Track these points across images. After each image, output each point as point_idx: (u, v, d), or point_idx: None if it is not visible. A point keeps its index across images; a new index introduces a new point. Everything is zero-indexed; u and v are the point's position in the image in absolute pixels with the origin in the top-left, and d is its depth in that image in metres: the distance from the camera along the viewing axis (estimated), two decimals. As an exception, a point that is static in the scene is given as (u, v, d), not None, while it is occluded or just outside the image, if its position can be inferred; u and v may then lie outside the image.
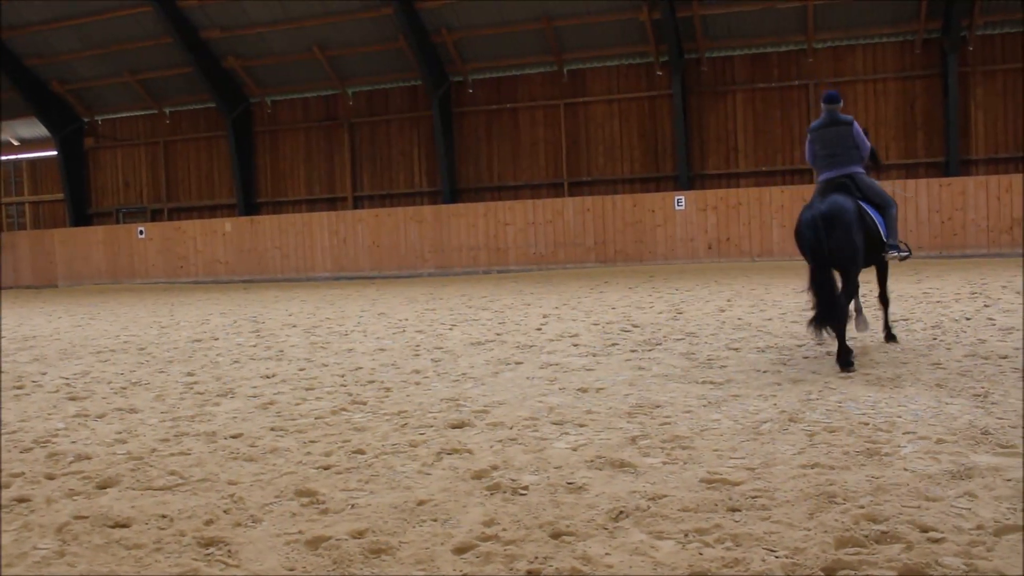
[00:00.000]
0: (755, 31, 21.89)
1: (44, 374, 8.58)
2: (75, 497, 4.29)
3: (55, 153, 28.36)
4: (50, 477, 4.68)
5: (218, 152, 27.22)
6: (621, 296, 14.35)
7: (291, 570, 3.28)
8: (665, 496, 3.88)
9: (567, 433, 5.16)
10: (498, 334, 10.12)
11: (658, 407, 5.73)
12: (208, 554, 3.47)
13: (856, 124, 7.86)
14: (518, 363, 7.90)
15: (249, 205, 26.46)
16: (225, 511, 3.96)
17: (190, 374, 8.19)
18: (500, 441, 5.03)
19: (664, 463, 4.43)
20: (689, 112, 22.61)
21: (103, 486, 4.46)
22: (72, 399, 7.09)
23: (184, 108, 27.38)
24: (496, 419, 5.60)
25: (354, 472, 4.52)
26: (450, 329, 10.88)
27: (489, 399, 6.27)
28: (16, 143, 30.16)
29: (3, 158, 30.25)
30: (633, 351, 8.29)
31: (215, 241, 25.20)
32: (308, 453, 4.96)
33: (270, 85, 26.07)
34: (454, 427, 5.46)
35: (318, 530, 3.65)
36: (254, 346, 10.12)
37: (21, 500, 4.26)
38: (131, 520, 3.87)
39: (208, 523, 3.80)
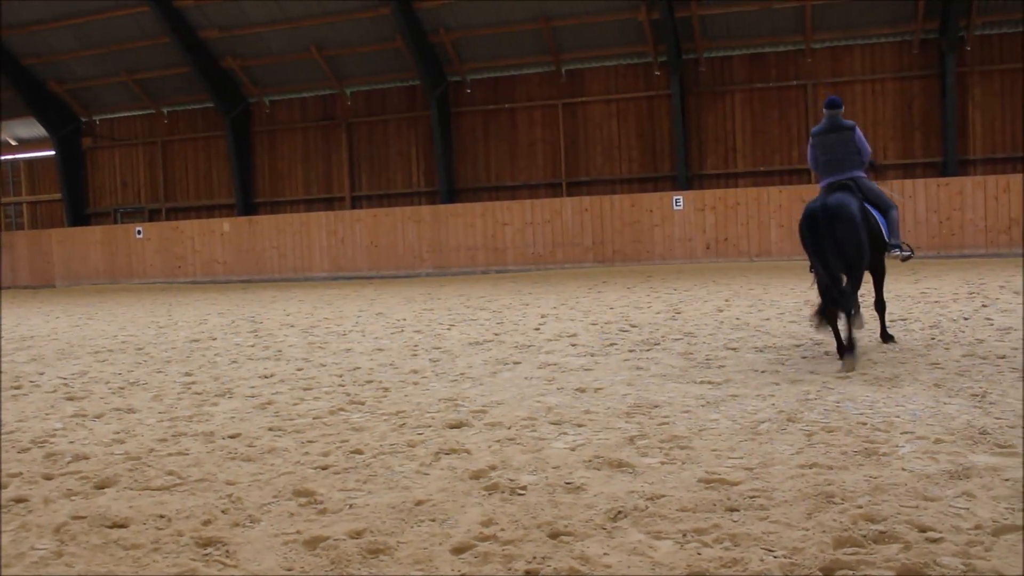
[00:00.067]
0: (753, 31, 21.90)
1: (42, 374, 8.57)
2: (73, 497, 4.28)
3: (53, 153, 28.33)
4: (48, 477, 4.68)
5: (216, 152, 27.20)
6: (619, 296, 14.36)
7: (289, 570, 3.28)
8: (663, 496, 3.88)
9: (565, 433, 5.16)
10: (496, 334, 10.12)
11: (656, 407, 5.73)
12: (206, 554, 3.46)
13: (857, 129, 7.98)
14: (516, 363, 7.90)
15: (247, 205, 26.45)
16: (223, 511, 3.96)
17: (188, 374, 8.18)
18: (498, 441, 5.03)
19: (662, 463, 4.43)
20: (687, 112, 22.62)
21: (101, 486, 4.46)
22: (70, 399, 7.08)
23: (182, 108, 27.36)
24: (494, 419, 5.60)
25: (352, 472, 4.52)
26: (448, 329, 10.87)
27: (487, 399, 6.27)
28: (14, 143, 30.14)
29: (1, 158, 30.22)
30: (631, 351, 8.29)
31: (213, 241, 25.19)
32: (306, 453, 4.95)
33: (268, 85, 26.06)
34: (452, 427, 5.46)
35: (316, 530, 3.65)
36: (252, 346, 10.12)
37: (19, 500, 4.25)
38: (129, 520, 3.86)
39: (206, 523, 3.80)
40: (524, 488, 4.09)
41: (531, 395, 6.35)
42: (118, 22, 24.53)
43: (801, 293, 13.06)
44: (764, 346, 8.22)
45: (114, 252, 26.14)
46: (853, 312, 7.82)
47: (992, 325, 8.77)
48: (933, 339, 8.12)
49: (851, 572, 3.01)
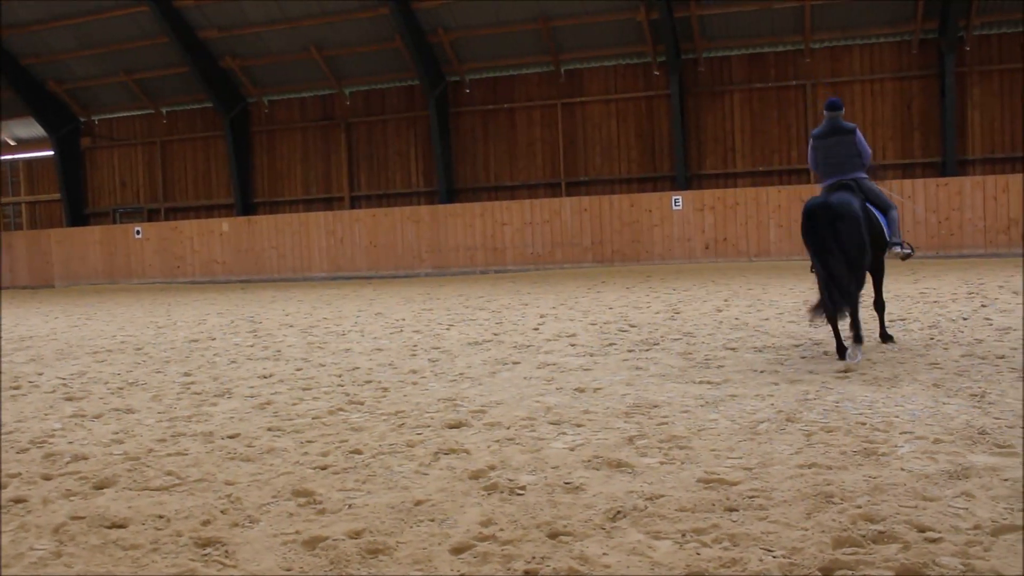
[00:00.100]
0: (752, 31, 21.91)
1: (41, 374, 8.56)
2: (72, 497, 4.28)
3: (52, 153, 28.32)
4: (47, 478, 4.67)
5: (215, 152, 27.20)
6: (618, 296, 14.36)
7: (288, 570, 3.28)
8: (662, 496, 3.88)
9: (564, 433, 5.15)
10: (495, 334, 10.12)
11: (655, 407, 5.73)
12: (205, 554, 3.46)
13: (858, 132, 8.05)
14: (515, 363, 7.90)
15: (246, 205, 26.44)
16: (222, 511, 3.95)
17: (187, 374, 8.18)
18: (497, 441, 5.03)
19: (661, 463, 4.43)
20: (686, 112, 22.63)
21: (100, 486, 4.46)
22: (69, 399, 7.08)
23: (181, 108, 27.36)
24: (493, 419, 5.60)
25: (351, 472, 4.52)
26: (447, 329, 10.87)
27: (486, 399, 6.27)
28: (13, 143, 30.13)
29: (0, 158, 30.22)
30: (630, 351, 8.29)
31: (212, 241, 25.19)
32: (305, 453, 4.95)
33: (267, 85, 26.05)
34: (451, 427, 5.46)
35: (315, 530, 3.64)
36: (251, 346, 10.12)
37: (18, 501, 4.25)
38: (128, 520, 3.86)
39: (205, 523, 3.80)
40: (523, 488, 4.09)
41: (530, 395, 6.35)
42: (117, 22, 24.53)
43: (800, 293, 13.06)
44: (763, 346, 8.22)
45: (113, 252, 26.14)
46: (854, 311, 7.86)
47: (991, 325, 8.78)
48: (932, 339, 8.12)
49: (850, 572, 3.01)
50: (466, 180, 24.81)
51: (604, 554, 3.26)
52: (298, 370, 8.12)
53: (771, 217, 20.53)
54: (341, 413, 6.04)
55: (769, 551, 3.21)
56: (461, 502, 3.94)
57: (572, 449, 4.77)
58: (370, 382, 7.27)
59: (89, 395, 7.25)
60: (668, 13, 20.86)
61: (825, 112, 8.09)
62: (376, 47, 23.97)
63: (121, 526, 3.81)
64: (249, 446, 5.18)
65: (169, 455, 5.04)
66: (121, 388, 7.54)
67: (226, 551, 3.48)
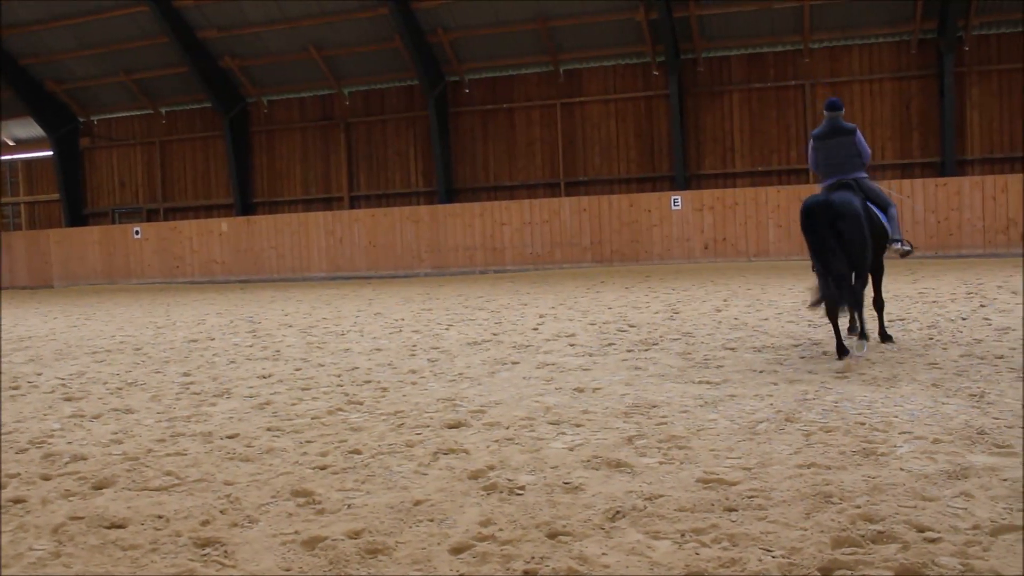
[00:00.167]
0: (751, 31, 21.91)
1: (40, 375, 8.56)
2: (71, 498, 4.28)
3: (51, 153, 28.31)
4: (46, 478, 4.67)
5: (214, 152, 27.19)
6: (617, 296, 14.36)
7: (287, 570, 3.28)
8: (661, 496, 3.88)
9: (564, 433, 5.15)
10: (495, 334, 10.12)
11: (654, 407, 5.73)
12: (204, 554, 3.46)
13: (858, 132, 8.11)
14: (515, 363, 7.90)
15: (245, 205, 26.43)
16: (221, 511, 3.95)
17: (186, 374, 8.17)
18: (497, 441, 5.03)
19: (661, 463, 4.43)
20: (685, 112, 22.63)
21: (99, 487, 4.46)
22: (68, 400, 7.08)
23: (180, 108, 27.35)
24: (492, 419, 5.60)
25: (350, 472, 4.52)
26: (447, 329, 10.87)
27: (486, 399, 6.27)
28: (11, 143, 30.11)
29: (-1, 158, 30.23)
30: (630, 351, 8.29)
31: (211, 241, 25.18)
32: (304, 453, 4.95)
33: (266, 85, 26.05)
34: (450, 427, 5.46)
35: (314, 530, 3.64)
36: (250, 346, 10.11)
37: (17, 501, 4.25)
38: (127, 521, 3.86)
39: (204, 523, 3.80)
40: (522, 488, 4.09)
41: (529, 395, 6.35)
42: (116, 22, 24.52)
43: (799, 293, 13.06)
44: (762, 346, 8.22)
45: (112, 252, 26.13)
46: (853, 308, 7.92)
47: (990, 325, 8.78)
48: (931, 339, 8.12)
49: (849, 572, 3.01)
50: (465, 180, 24.81)
51: (603, 554, 3.26)
52: (297, 370, 8.12)
53: (770, 217, 20.54)
54: (340, 413, 6.04)
55: (768, 551, 3.21)
56: (460, 502, 3.94)
57: (571, 449, 4.77)
58: (369, 382, 7.27)
59: (88, 395, 7.25)
60: (667, 13, 20.87)
61: (825, 112, 8.14)
62: (375, 47, 23.97)
63: (120, 526, 3.81)
64: (248, 446, 5.18)
65: (168, 455, 5.04)
66: (120, 388, 7.54)
67: (225, 551, 3.48)
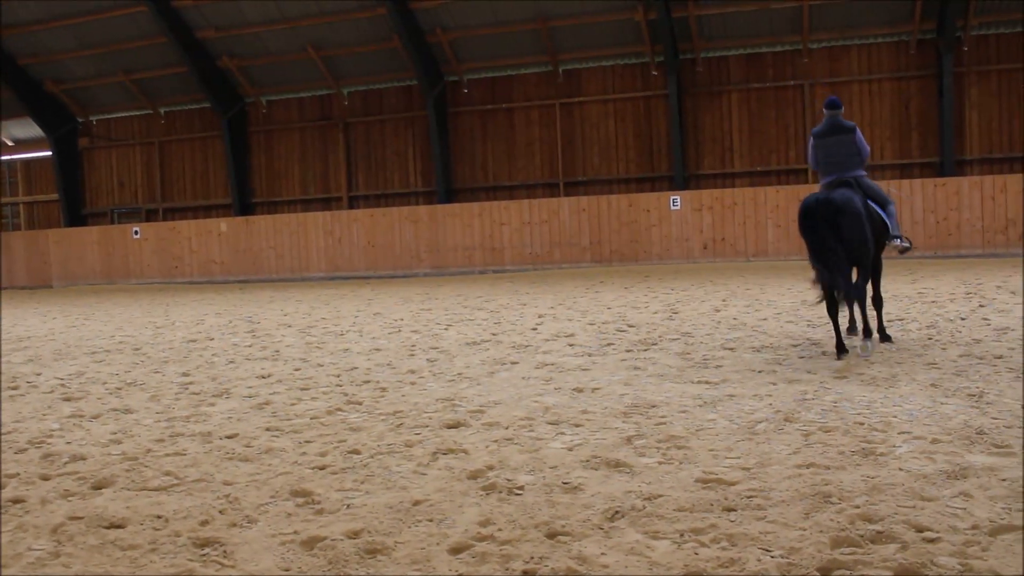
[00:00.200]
0: (750, 31, 21.92)
1: (39, 375, 8.56)
2: (70, 498, 4.28)
3: (50, 153, 28.29)
4: (45, 478, 4.67)
5: (213, 152, 27.18)
6: (616, 296, 14.36)
7: (286, 570, 3.28)
8: (661, 496, 3.88)
9: (563, 433, 5.16)
10: (494, 334, 10.12)
11: (654, 407, 5.73)
12: (203, 554, 3.46)
13: (858, 131, 8.20)
14: (514, 363, 7.90)
15: (244, 205, 26.43)
16: (220, 511, 3.95)
17: (185, 374, 8.17)
18: (496, 441, 5.03)
19: (660, 463, 4.43)
20: (684, 112, 22.64)
21: (98, 487, 4.45)
22: (67, 400, 7.08)
23: (179, 108, 27.35)
24: (492, 419, 5.60)
25: (350, 472, 4.52)
26: (446, 329, 10.87)
27: (485, 399, 6.27)
28: (10, 143, 30.10)
29: (-2, 158, 30.23)
30: (629, 351, 8.29)
31: (210, 241, 25.18)
32: (303, 453, 4.95)
33: (265, 85, 26.04)
34: (450, 427, 5.46)
35: (313, 530, 3.64)
36: (249, 346, 10.11)
37: (16, 501, 4.25)
38: (126, 521, 3.86)
39: (203, 523, 3.80)
40: (521, 488, 4.09)
41: (528, 395, 6.35)
42: (115, 22, 24.51)
43: (798, 293, 13.07)
44: (761, 346, 8.22)
45: (111, 252, 26.12)
46: (857, 305, 8.01)
47: (989, 325, 8.79)
48: (930, 339, 8.13)
49: (848, 572, 3.01)
50: (464, 180, 24.81)
51: (602, 554, 3.26)
52: (296, 370, 8.12)
53: (769, 217, 20.54)
54: (339, 413, 6.04)
55: (767, 551, 3.21)
56: (459, 502, 3.94)
57: (570, 449, 4.77)
58: (368, 382, 7.27)
59: (87, 395, 7.24)
60: (666, 13, 20.87)
61: (825, 111, 8.23)
62: (374, 47, 23.97)
63: (119, 526, 3.81)
64: (247, 446, 5.18)
65: (167, 455, 5.04)
66: (119, 388, 7.54)
67: (224, 551, 3.48)
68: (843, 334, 7.72)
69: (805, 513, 3.58)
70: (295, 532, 3.64)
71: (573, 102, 23.82)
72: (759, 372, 6.87)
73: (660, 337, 9.15)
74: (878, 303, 8.27)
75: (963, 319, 9.36)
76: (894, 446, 4.50)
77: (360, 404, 6.33)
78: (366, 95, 25.59)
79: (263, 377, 7.79)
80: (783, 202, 20.33)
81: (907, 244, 8.26)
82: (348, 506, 3.96)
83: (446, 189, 24.29)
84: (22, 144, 29.97)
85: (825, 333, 8.72)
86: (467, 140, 24.74)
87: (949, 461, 4.18)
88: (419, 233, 23.22)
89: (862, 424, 4.99)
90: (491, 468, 4.46)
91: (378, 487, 4.24)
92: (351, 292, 18.85)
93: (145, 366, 8.86)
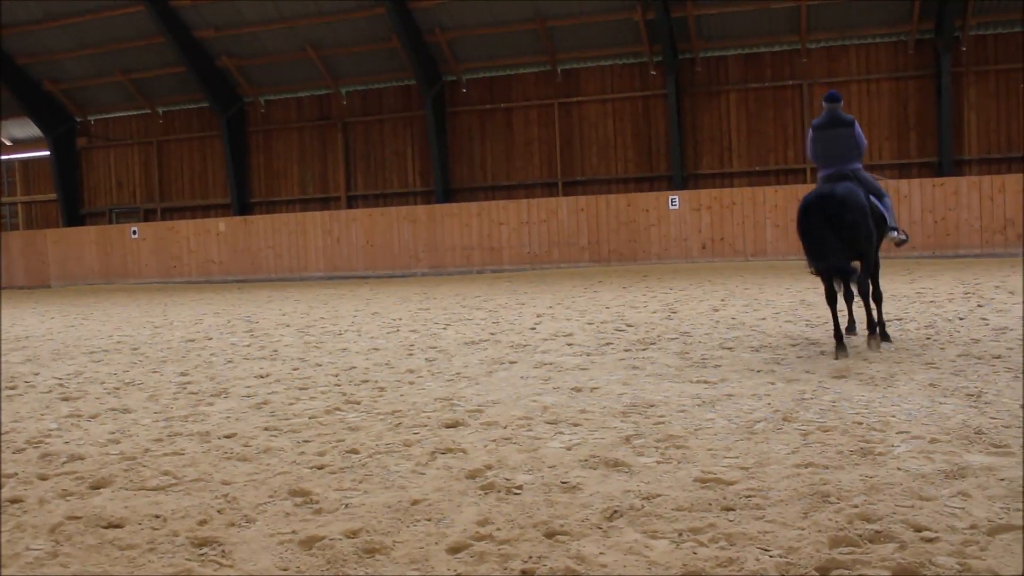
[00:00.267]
0: (749, 31, 21.92)
1: (37, 374, 8.55)
2: (68, 498, 4.27)
3: (48, 153, 28.28)
4: (43, 478, 4.67)
5: (211, 152, 27.17)
6: (615, 295, 14.36)
7: (285, 570, 3.27)
8: (659, 495, 3.87)
9: (561, 432, 5.15)
10: (492, 333, 10.12)
11: (652, 406, 5.73)
12: (202, 554, 3.46)
13: (856, 124, 8.29)
14: (512, 362, 7.90)
15: (243, 205, 26.42)
16: (219, 511, 3.95)
17: (184, 374, 8.17)
18: (494, 440, 5.03)
19: (658, 462, 4.43)
20: (683, 112, 22.64)
21: (96, 486, 4.45)
22: (65, 399, 7.07)
23: (177, 108, 27.33)
24: (490, 418, 5.60)
25: (348, 472, 4.51)
26: (444, 328, 10.87)
27: (483, 398, 6.27)
28: (8, 143, 30.08)
29: (-4, 158, 30.20)
30: (627, 350, 8.29)
31: (208, 241, 25.16)
32: (302, 453, 4.95)
33: (264, 85, 26.03)
34: (448, 426, 5.45)
35: (312, 530, 3.64)
36: (248, 346, 10.11)
37: (14, 501, 4.24)
38: (124, 520, 3.86)
39: (202, 523, 3.79)
40: (520, 487, 4.09)
41: (527, 394, 6.35)
42: (113, 22, 24.50)
43: (797, 293, 13.08)
44: (760, 345, 8.22)
45: (109, 252, 26.11)
46: (858, 295, 8.10)
47: (987, 325, 8.79)
48: (929, 339, 8.13)
49: (847, 572, 3.01)
50: (463, 180, 24.81)
51: (601, 553, 3.26)
52: (295, 370, 8.11)
53: (767, 217, 20.55)
54: (338, 413, 6.04)
55: (766, 550, 3.21)
56: (458, 501, 3.94)
57: (569, 448, 4.77)
58: (367, 382, 7.27)
59: (85, 395, 7.24)
60: (665, 13, 20.87)
61: (824, 104, 8.33)
62: (373, 47, 23.96)
63: (117, 526, 3.81)
64: (246, 446, 5.17)
65: (165, 455, 5.04)
66: (117, 388, 7.53)
67: (223, 551, 3.47)
68: (842, 334, 7.76)
69: (803, 513, 3.58)
70: (293, 532, 3.64)
71: (572, 102, 23.82)
72: (758, 372, 6.87)
73: (659, 337, 9.15)
74: (878, 298, 8.28)
75: (961, 319, 9.37)
76: (892, 446, 4.50)
77: (358, 404, 6.33)
78: (365, 95, 25.59)
79: (261, 377, 7.78)
80: (782, 202, 20.34)
81: (904, 236, 8.37)
82: (346, 506, 3.96)
83: (444, 189, 24.28)
84: (20, 144, 29.95)
85: (824, 333, 8.73)
86: (465, 140, 24.74)
87: (947, 461, 4.18)
88: (417, 233, 23.22)
89: (860, 424, 4.99)
90: (489, 467, 4.46)
91: (376, 487, 4.24)
92: (350, 292, 18.85)
93: (143, 366, 8.85)
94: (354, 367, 8.10)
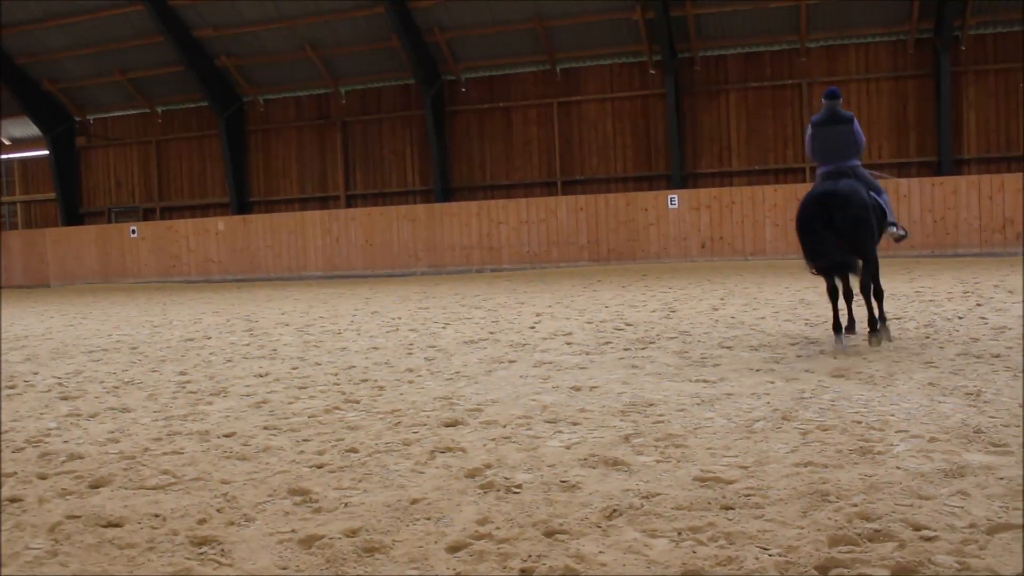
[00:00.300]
0: (748, 31, 21.93)
1: (36, 374, 8.55)
2: (67, 497, 4.27)
3: (47, 152, 28.27)
4: (42, 477, 4.66)
5: (210, 151, 27.17)
6: (614, 295, 14.36)
7: (284, 569, 3.27)
8: (658, 494, 3.87)
9: (560, 431, 5.15)
10: (491, 333, 10.12)
11: (651, 405, 5.73)
12: (201, 553, 3.46)
13: (855, 121, 8.31)
14: (511, 361, 7.90)
15: (242, 204, 26.41)
16: (218, 510, 3.95)
17: (183, 373, 8.16)
18: (493, 439, 5.03)
19: (657, 461, 4.43)
20: (682, 111, 22.64)
21: (95, 485, 4.45)
22: (64, 398, 7.07)
23: (176, 107, 27.33)
24: (489, 417, 5.60)
25: (347, 471, 4.51)
26: (443, 328, 10.87)
27: (482, 397, 6.27)
28: (8, 142, 30.07)
29: (-5, 157, 30.19)
30: (626, 349, 8.29)
31: (207, 240, 25.16)
32: (301, 452, 4.95)
33: (263, 84, 26.02)
34: (447, 425, 5.45)
35: (311, 529, 3.64)
36: (247, 345, 10.10)
37: (14, 500, 4.24)
38: (124, 519, 3.85)
39: (201, 522, 3.79)
40: (519, 486, 4.09)
41: (526, 393, 6.35)
42: (112, 21, 24.50)
43: (796, 292, 13.08)
44: (759, 344, 8.23)
45: (108, 251, 26.10)
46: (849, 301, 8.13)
47: (986, 324, 8.79)
48: (928, 338, 8.13)
49: (846, 570, 3.01)
50: (462, 179, 24.81)
51: (600, 552, 3.26)
52: (294, 369, 8.11)
53: (767, 216, 20.55)
54: (337, 412, 6.04)
55: (765, 549, 3.21)
56: (457, 500, 3.94)
57: (568, 447, 4.77)
58: (366, 381, 7.27)
59: (85, 394, 7.23)
60: (664, 12, 20.88)
61: (824, 100, 8.36)
62: (372, 46, 23.96)
63: (117, 525, 3.80)
64: (245, 445, 5.17)
65: (165, 454, 5.03)
66: (117, 387, 7.53)
67: (222, 550, 3.47)
68: (841, 326, 7.87)
69: (803, 511, 3.58)
70: (293, 531, 3.63)
71: (571, 101, 23.82)
72: (757, 371, 6.88)
73: (658, 336, 9.15)
74: (879, 295, 8.28)
75: (960, 318, 9.37)
76: (892, 445, 4.50)
77: (358, 403, 6.32)
78: (364, 94, 25.59)
79: (261, 376, 7.78)
80: (781, 201, 20.35)
81: (903, 232, 8.42)
82: (346, 504, 3.96)
83: (444, 188, 24.28)
84: (19, 143, 29.94)
85: (823, 332, 8.73)
86: (465, 139, 24.74)
87: (947, 460, 4.18)
88: (417, 232, 23.22)
89: (860, 423, 4.99)
90: (489, 467, 4.46)
91: (376, 486, 4.23)
92: (349, 291, 18.84)
93: (143, 365, 8.85)
94: (353, 366, 8.09)
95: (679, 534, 3.41)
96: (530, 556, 3.25)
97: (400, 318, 12.34)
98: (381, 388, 6.88)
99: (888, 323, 8.61)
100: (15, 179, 30.34)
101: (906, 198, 19.55)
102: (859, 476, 3.99)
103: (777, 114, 22.41)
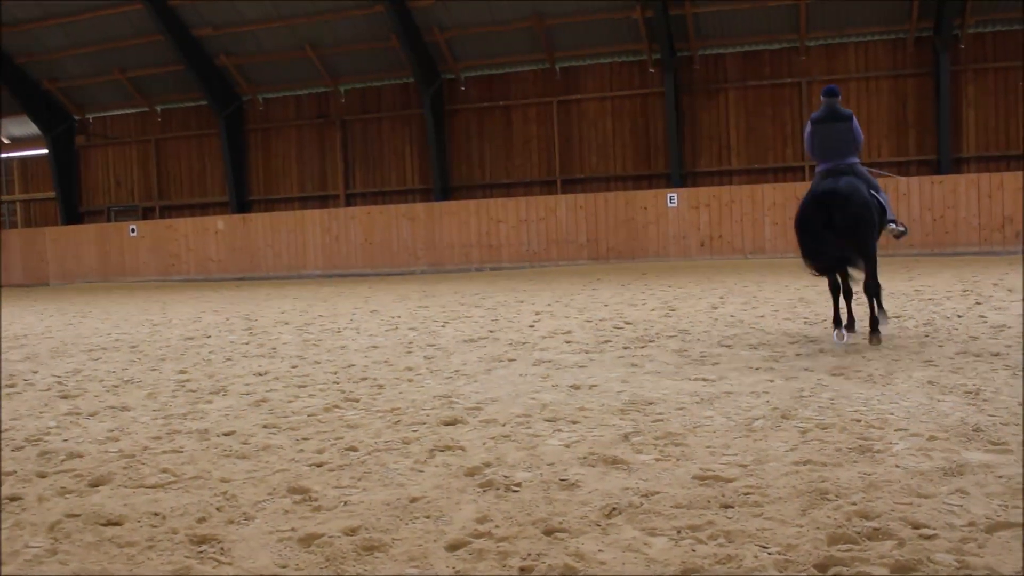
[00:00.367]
0: (748, 29, 21.93)
1: (35, 372, 8.54)
2: (67, 495, 4.27)
3: (46, 151, 28.27)
4: (42, 475, 4.66)
5: (210, 150, 27.16)
6: (614, 293, 14.36)
7: (283, 567, 3.27)
8: (658, 493, 3.87)
9: (560, 430, 5.15)
10: (491, 331, 10.12)
11: (651, 404, 5.73)
12: (200, 552, 3.46)
13: (854, 119, 8.33)
14: (511, 360, 7.90)
15: (241, 203, 26.41)
16: (218, 508, 3.95)
17: (182, 372, 8.16)
18: (493, 438, 5.02)
19: (657, 460, 4.43)
20: (681, 110, 22.64)
21: (95, 484, 4.45)
22: (64, 397, 7.06)
23: (176, 106, 27.32)
24: (489, 416, 5.60)
25: (347, 469, 4.51)
26: (443, 326, 10.87)
27: (482, 396, 6.27)
28: (7, 141, 30.06)
29: (-6, 156, 30.19)
30: (626, 348, 8.29)
31: (207, 239, 25.16)
32: (301, 450, 4.95)
33: (262, 83, 26.02)
34: (447, 424, 5.45)
35: (311, 527, 3.64)
36: (246, 344, 10.10)
37: (13, 499, 4.24)
38: (123, 518, 3.85)
39: (200, 521, 3.79)
40: (519, 485, 4.09)
41: (526, 392, 6.35)
42: (111, 20, 24.49)
43: (795, 291, 13.08)
44: (758, 343, 8.23)
45: (108, 250, 26.10)
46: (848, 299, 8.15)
47: (986, 323, 8.79)
48: (927, 336, 8.13)
49: (845, 569, 3.01)
50: (462, 178, 24.81)
51: (600, 551, 3.26)
52: (293, 367, 8.11)
53: (766, 214, 20.56)
54: (336, 410, 6.03)
55: (764, 548, 3.21)
56: (457, 499, 3.94)
57: (568, 446, 4.77)
58: (365, 379, 7.26)
59: (84, 393, 7.23)
60: (663, 11, 20.88)
61: (823, 98, 8.39)
62: (371, 45, 23.96)
63: (116, 524, 3.80)
64: (244, 443, 5.17)
65: (164, 452, 5.03)
66: (116, 386, 7.53)
67: (221, 548, 3.47)
68: (841, 320, 7.95)
69: (802, 510, 3.58)
70: (292, 529, 3.63)
71: (570, 100, 23.82)
72: (756, 369, 6.88)
73: (657, 334, 9.15)
74: (877, 290, 8.30)
75: (960, 316, 9.38)
76: (891, 443, 4.50)
77: (357, 401, 6.32)
78: (363, 93, 25.58)
79: (260, 374, 7.78)
80: (780, 199, 20.35)
81: (903, 228, 8.44)
82: (345, 503, 3.96)
83: (443, 187, 24.28)
84: (19, 142, 29.93)
85: (822, 330, 8.74)
86: (464, 138, 24.74)
87: (946, 458, 4.18)
88: (416, 231, 23.21)
89: (859, 421, 4.99)
90: (488, 465, 4.46)
91: (375, 484, 4.23)
92: (348, 290, 18.84)
93: (142, 364, 8.85)
94: (353, 365, 8.09)
95: (678, 532, 3.41)
96: (529, 554, 3.25)
97: (399, 317, 12.34)
98: (380, 387, 6.88)
99: (886, 326, 8.63)
100: (15, 178, 30.34)
101: (905, 197, 19.55)
102: (858, 474, 3.99)
103: (776, 113, 22.41)
